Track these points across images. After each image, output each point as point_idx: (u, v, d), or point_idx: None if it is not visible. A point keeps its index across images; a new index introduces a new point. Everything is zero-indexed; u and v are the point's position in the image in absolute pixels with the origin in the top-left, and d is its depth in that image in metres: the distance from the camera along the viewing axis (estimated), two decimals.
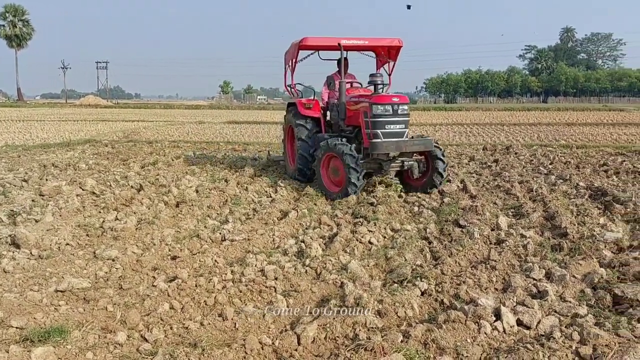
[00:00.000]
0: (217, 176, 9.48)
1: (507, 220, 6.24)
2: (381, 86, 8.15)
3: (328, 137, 8.26)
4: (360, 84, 9.44)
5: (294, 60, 9.33)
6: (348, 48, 9.06)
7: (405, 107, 7.86)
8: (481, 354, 3.13)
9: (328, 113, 9.12)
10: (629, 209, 6.53)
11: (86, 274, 4.61)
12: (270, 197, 7.95)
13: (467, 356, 3.06)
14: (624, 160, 11.18)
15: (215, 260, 4.91)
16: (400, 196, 7.90)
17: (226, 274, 4.49)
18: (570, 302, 3.87)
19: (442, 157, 8.04)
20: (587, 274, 4.38)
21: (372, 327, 3.51)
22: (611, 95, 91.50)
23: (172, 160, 11.83)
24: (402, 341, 3.25)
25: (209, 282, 4.30)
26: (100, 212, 6.71)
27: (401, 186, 8.48)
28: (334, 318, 3.55)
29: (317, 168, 8.08)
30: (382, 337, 3.30)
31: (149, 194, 7.70)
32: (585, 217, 6.25)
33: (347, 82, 9.03)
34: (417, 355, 3.08)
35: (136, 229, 5.98)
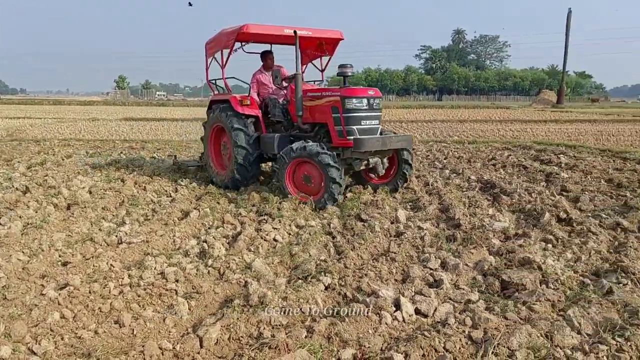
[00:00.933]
0: (113, 176, 9.02)
1: (406, 213, 6.49)
2: (351, 77, 7.46)
3: (278, 138, 7.65)
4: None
5: (228, 52, 8.14)
6: (292, 40, 8.05)
7: (379, 101, 7.29)
8: (382, 344, 3.22)
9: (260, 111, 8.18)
10: (514, 200, 7.04)
11: None
12: (170, 196, 7.68)
13: (369, 347, 3.13)
14: (510, 155, 12.05)
15: (111, 265, 4.66)
16: None
17: (123, 278, 4.28)
18: (463, 289, 4.09)
19: (408, 149, 7.72)
20: (478, 262, 4.65)
21: (277, 325, 3.49)
22: (498, 93, 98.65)
23: (63, 159, 11.10)
24: (306, 337, 3.27)
25: (104, 288, 4.08)
26: None
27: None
28: (237, 318, 3.50)
29: (282, 180, 7.17)
30: (286, 334, 3.30)
31: (36, 196, 7.17)
32: (476, 209, 6.64)
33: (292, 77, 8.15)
34: (321, 350, 3.11)
35: (22, 234, 5.53)
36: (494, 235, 5.43)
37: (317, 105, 7.42)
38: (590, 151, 12.53)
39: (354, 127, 6.99)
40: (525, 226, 5.89)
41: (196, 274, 4.44)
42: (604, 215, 6.13)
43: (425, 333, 3.23)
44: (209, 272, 4.52)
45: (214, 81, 8.90)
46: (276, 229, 5.84)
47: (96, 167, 10.07)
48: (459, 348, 3.10)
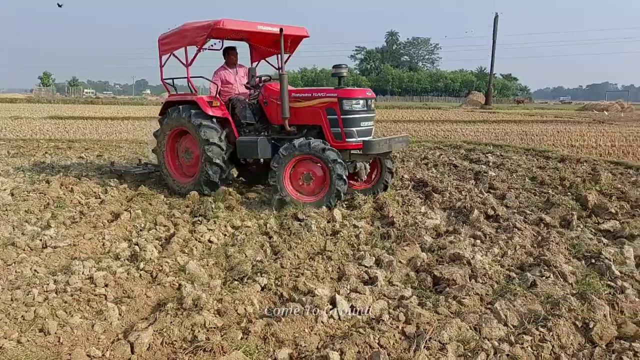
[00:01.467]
0: (37, 177, 8.59)
1: (342, 212, 6.56)
2: (345, 79, 7.09)
3: (260, 142, 7.13)
4: (270, 76, 7.94)
5: (197, 49, 7.46)
6: (263, 37, 7.65)
7: (374, 101, 7.14)
8: (318, 343, 3.24)
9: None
10: (445, 198, 7.26)
11: None
12: (99, 198, 7.38)
13: (305, 346, 3.14)
14: (441, 154, 12.44)
15: (35, 270, 4.43)
16: (240, 192, 7.86)
17: (48, 284, 4.07)
18: (397, 285, 4.18)
19: (390, 157, 7.54)
20: (411, 259, 4.77)
21: (212, 327, 3.44)
22: (430, 94, 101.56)
23: None
24: (242, 338, 3.24)
25: (28, 295, 3.86)
26: None
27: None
28: (171, 322, 3.42)
29: (279, 181, 6.76)
30: (221, 336, 3.26)
31: None
32: (409, 207, 6.81)
33: (266, 77, 7.82)
34: (257, 351, 3.10)
35: None
36: (426, 233, 5.58)
37: (306, 107, 7.05)
38: (516, 150, 13.14)
39: (354, 128, 6.77)
40: (456, 223, 6.09)
41: (127, 277, 4.30)
42: (528, 212, 6.44)
43: (360, 330, 3.28)
44: (140, 276, 4.38)
45: (170, 80, 8.12)
46: (211, 230, 5.75)
47: (19, 168, 9.57)
48: (393, 343, 3.17)
